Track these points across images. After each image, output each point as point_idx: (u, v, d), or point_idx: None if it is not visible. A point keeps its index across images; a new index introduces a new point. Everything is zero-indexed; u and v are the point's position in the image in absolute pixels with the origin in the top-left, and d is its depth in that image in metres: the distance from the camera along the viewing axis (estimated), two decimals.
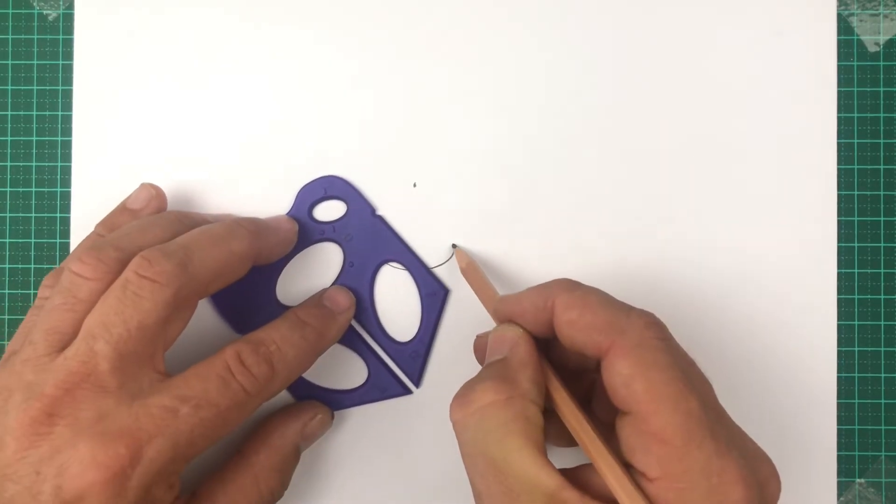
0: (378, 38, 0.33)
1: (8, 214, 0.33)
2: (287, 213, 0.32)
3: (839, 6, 0.33)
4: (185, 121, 0.33)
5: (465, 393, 0.25)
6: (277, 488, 0.29)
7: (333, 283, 0.32)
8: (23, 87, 0.34)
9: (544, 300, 0.26)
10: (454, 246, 0.32)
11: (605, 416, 0.27)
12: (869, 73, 0.33)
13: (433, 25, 0.33)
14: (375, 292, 0.33)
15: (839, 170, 0.33)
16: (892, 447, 0.33)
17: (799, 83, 0.33)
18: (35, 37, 0.34)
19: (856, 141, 0.33)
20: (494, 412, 0.24)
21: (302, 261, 0.33)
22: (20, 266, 0.33)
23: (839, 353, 0.33)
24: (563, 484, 0.23)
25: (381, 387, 0.32)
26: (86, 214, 0.33)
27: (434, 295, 0.32)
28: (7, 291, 0.33)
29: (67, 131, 0.33)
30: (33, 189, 0.33)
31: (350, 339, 0.32)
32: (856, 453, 0.33)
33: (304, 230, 0.32)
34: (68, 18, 0.33)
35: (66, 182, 0.33)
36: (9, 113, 0.34)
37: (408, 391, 0.32)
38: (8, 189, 0.33)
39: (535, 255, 0.33)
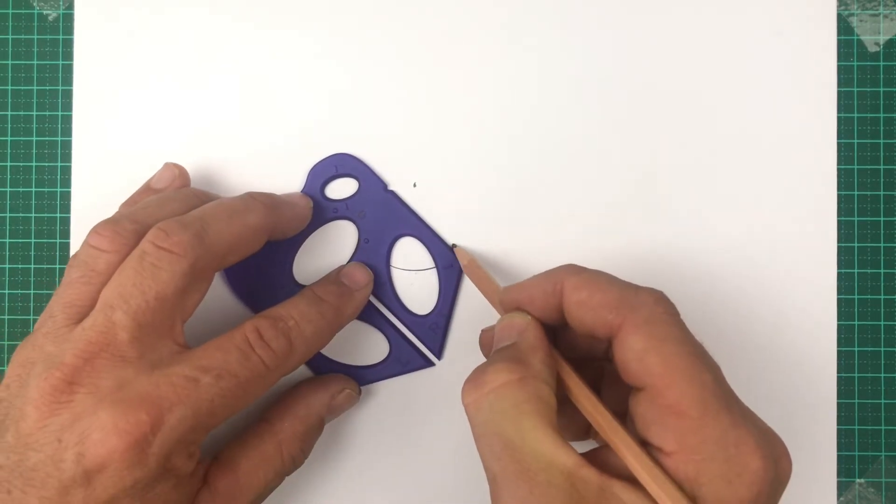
0: (378, 38, 0.33)
1: (8, 214, 0.33)
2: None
3: (839, 6, 0.33)
4: (186, 120, 0.33)
5: (477, 376, 0.25)
6: (299, 457, 0.29)
7: (349, 261, 0.32)
8: (23, 87, 0.34)
9: (552, 285, 0.26)
10: (454, 246, 0.32)
11: (615, 405, 0.27)
12: (869, 73, 0.33)
13: (432, 26, 0.33)
14: (392, 267, 0.33)
15: (839, 170, 0.33)
16: (892, 447, 0.33)
17: (799, 83, 0.33)
18: (35, 37, 0.34)
19: (856, 141, 0.33)
20: (508, 392, 0.24)
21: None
22: (20, 266, 0.33)
23: (839, 353, 0.33)
24: (581, 462, 0.23)
25: (403, 360, 0.32)
26: (86, 214, 0.33)
27: (451, 267, 0.32)
28: (7, 291, 0.33)
29: (67, 131, 0.33)
30: (33, 189, 0.33)
31: (369, 315, 0.32)
32: (856, 453, 0.33)
33: (317, 209, 0.32)
34: (68, 18, 0.33)
35: (66, 182, 0.33)
36: (9, 113, 0.34)
37: (430, 363, 0.33)
38: (8, 189, 0.34)
39: (535, 255, 0.33)
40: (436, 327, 0.32)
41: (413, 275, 0.33)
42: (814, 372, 0.33)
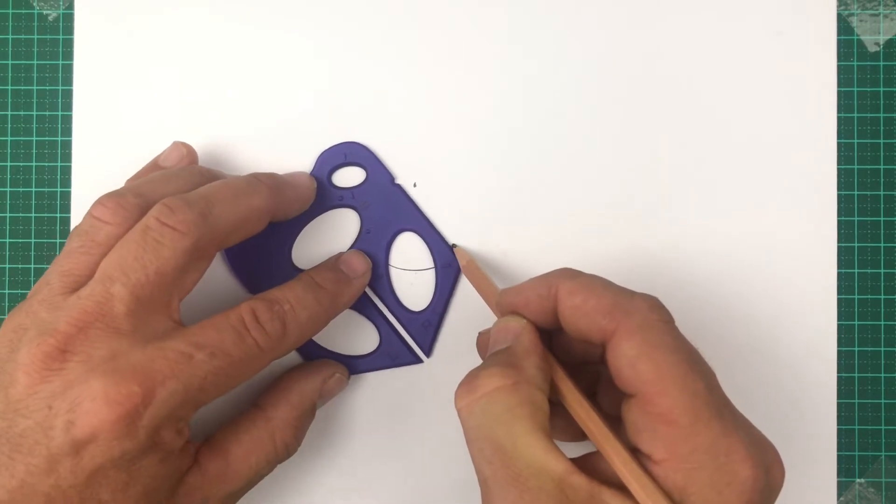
0: (376, 38, 0.33)
1: (8, 214, 0.33)
2: None
3: (839, 6, 0.33)
4: (186, 120, 0.33)
5: (470, 380, 0.25)
6: (292, 443, 0.29)
7: (349, 249, 0.32)
8: (23, 87, 0.34)
9: (547, 288, 0.26)
10: (454, 246, 0.32)
11: (611, 409, 0.27)
12: (869, 73, 0.33)
13: (432, 26, 0.33)
14: (391, 260, 0.33)
15: (839, 170, 0.33)
16: (892, 447, 0.33)
17: (799, 83, 0.33)
18: (35, 37, 0.34)
19: (856, 141, 0.33)
20: (501, 397, 0.24)
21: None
22: (20, 266, 0.33)
23: (839, 353, 0.33)
24: (571, 469, 0.23)
25: (392, 354, 0.32)
26: None
27: (449, 266, 0.32)
28: (7, 291, 0.33)
29: (67, 131, 0.33)
30: (33, 189, 0.33)
31: (363, 306, 0.32)
32: (856, 453, 0.33)
33: (322, 195, 0.32)
34: (68, 18, 0.33)
35: (66, 182, 0.33)
36: (9, 113, 0.34)
37: (418, 360, 0.33)
38: (8, 189, 0.34)
39: (535, 255, 0.33)
40: (428, 325, 0.32)
41: (413, 275, 0.33)
42: (814, 372, 0.33)
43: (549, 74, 0.33)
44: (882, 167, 0.33)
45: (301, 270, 0.32)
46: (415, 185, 0.33)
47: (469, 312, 0.33)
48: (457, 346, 0.33)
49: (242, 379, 0.27)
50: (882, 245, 0.33)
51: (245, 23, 0.33)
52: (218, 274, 0.32)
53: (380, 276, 0.32)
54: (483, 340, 0.29)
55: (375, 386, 0.33)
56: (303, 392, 0.30)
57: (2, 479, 0.23)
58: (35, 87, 0.34)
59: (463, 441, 0.32)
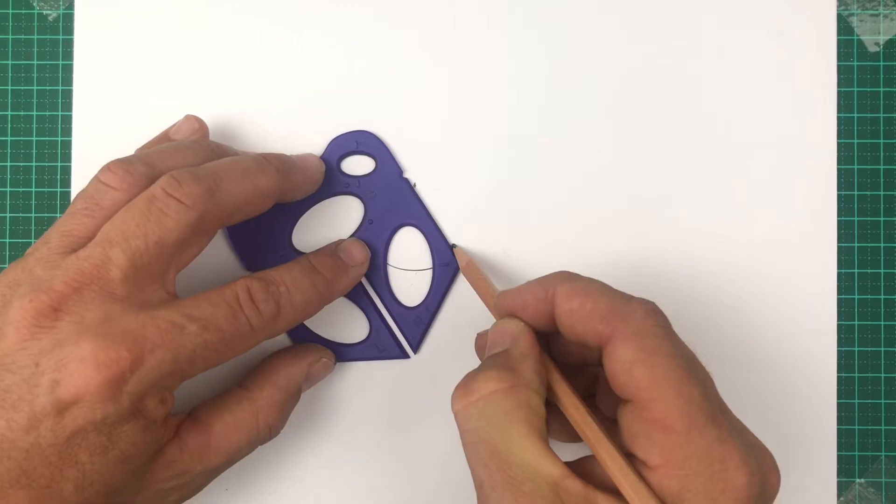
0: (375, 37, 0.33)
1: (8, 214, 0.34)
2: None
3: (839, 6, 0.33)
4: None
5: (467, 382, 0.25)
6: (276, 425, 0.29)
7: (350, 237, 0.33)
8: (23, 87, 0.34)
9: (545, 292, 0.26)
10: (453, 246, 0.32)
11: (609, 411, 0.27)
12: (869, 73, 0.33)
13: (431, 25, 0.33)
14: (390, 253, 0.33)
15: (839, 170, 0.33)
16: (892, 447, 0.33)
17: (799, 83, 0.33)
18: (35, 37, 0.34)
19: (856, 141, 0.33)
20: (497, 401, 0.24)
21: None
22: None
23: (839, 353, 0.33)
24: (566, 473, 0.23)
25: (380, 346, 0.32)
26: None
27: (447, 265, 0.32)
28: None
29: (67, 131, 0.33)
30: (33, 189, 0.33)
31: (357, 295, 0.32)
32: (856, 453, 0.33)
33: (329, 180, 0.32)
34: (68, 18, 0.33)
35: (66, 182, 0.33)
36: (9, 113, 0.34)
37: (405, 355, 0.33)
38: (8, 189, 0.34)
39: (535, 256, 0.33)
40: (419, 321, 0.32)
41: (413, 275, 0.33)
42: (814, 372, 0.33)
43: (549, 75, 0.33)
44: (882, 167, 0.33)
45: (300, 253, 0.32)
46: (415, 185, 0.33)
47: (463, 313, 0.33)
48: (446, 346, 0.33)
49: (231, 355, 0.27)
50: (882, 245, 0.33)
51: (246, 22, 0.33)
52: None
53: (377, 268, 0.32)
54: (481, 342, 0.29)
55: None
56: (289, 374, 0.30)
57: None
58: (35, 87, 0.34)
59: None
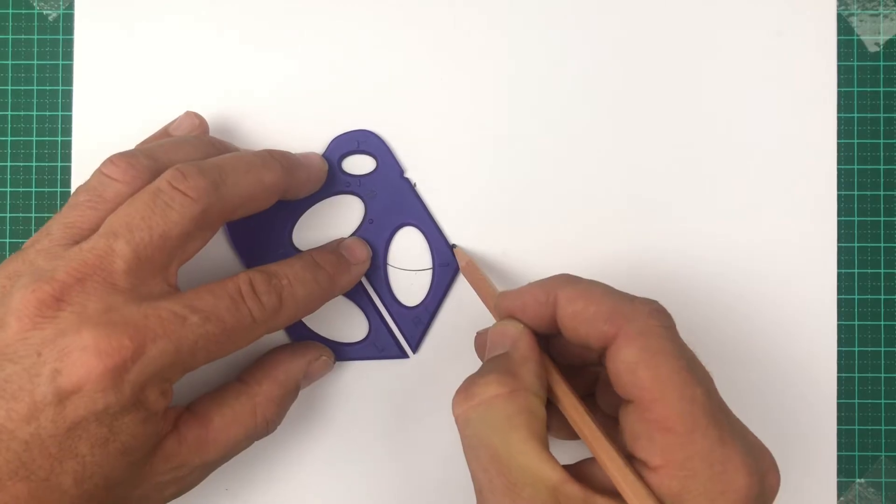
0: (375, 37, 0.33)
1: (8, 214, 0.34)
2: None
3: (839, 6, 0.33)
4: None
5: (468, 387, 0.25)
6: (273, 420, 0.29)
7: (351, 236, 0.33)
8: (23, 87, 0.34)
9: (546, 294, 0.26)
10: (454, 246, 0.32)
11: (609, 410, 0.27)
12: (869, 73, 0.33)
13: (431, 25, 0.33)
14: (390, 253, 0.33)
15: (839, 170, 0.33)
16: (892, 447, 0.33)
17: (799, 83, 0.33)
18: (35, 37, 0.34)
19: (856, 141, 0.33)
20: (498, 405, 0.24)
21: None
22: None
23: (839, 353, 0.33)
24: (565, 478, 0.23)
25: (379, 346, 0.32)
26: None
27: (447, 266, 0.32)
28: None
29: (67, 131, 0.33)
30: (33, 189, 0.33)
31: (357, 294, 0.32)
32: (856, 453, 0.33)
33: (329, 179, 0.32)
34: (68, 18, 0.33)
35: (66, 182, 0.33)
36: (9, 113, 0.34)
37: (404, 355, 0.33)
38: (8, 189, 0.34)
39: (535, 256, 0.33)
40: (419, 321, 0.32)
41: (413, 275, 0.33)
42: (814, 372, 0.33)
43: (549, 76, 0.33)
44: (882, 167, 0.33)
45: (300, 252, 0.32)
46: (415, 185, 0.33)
47: (462, 313, 0.33)
48: (445, 346, 0.33)
49: (232, 348, 0.27)
50: (882, 245, 0.33)
51: (247, 21, 0.33)
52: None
53: (377, 268, 0.32)
54: (481, 340, 0.29)
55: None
56: (288, 370, 0.30)
57: None
58: (35, 87, 0.34)
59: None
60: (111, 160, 0.27)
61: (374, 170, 0.33)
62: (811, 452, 0.32)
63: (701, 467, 0.22)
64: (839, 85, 0.33)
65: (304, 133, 0.33)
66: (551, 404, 0.25)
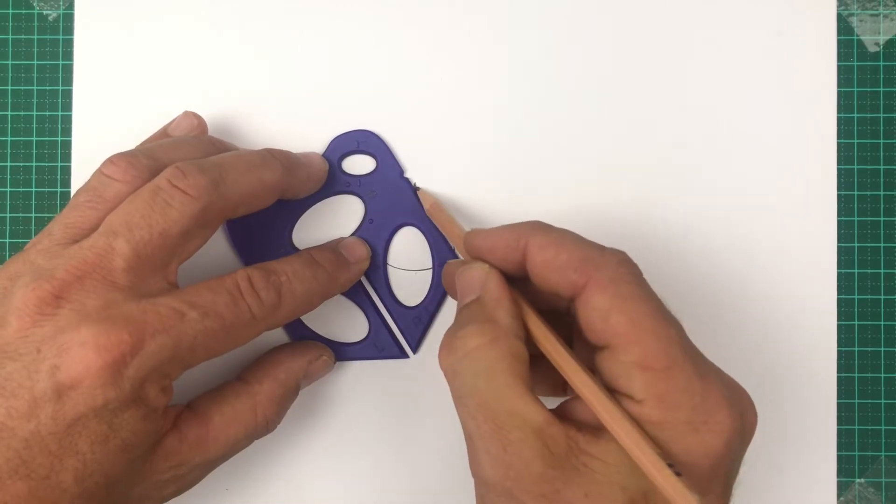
0: (375, 37, 0.33)
1: (8, 214, 0.34)
2: None
3: (839, 6, 0.33)
4: None
5: (450, 341, 0.25)
6: (273, 419, 0.29)
7: (351, 236, 0.33)
8: (23, 87, 0.34)
9: (517, 239, 0.26)
10: (417, 189, 0.32)
11: (587, 361, 0.27)
12: (869, 73, 0.33)
13: (430, 25, 0.33)
14: (390, 253, 0.33)
15: (839, 170, 0.33)
16: (892, 447, 0.33)
17: (799, 83, 0.33)
18: (35, 37, 0.34)
19: (856, 141, 0.33)
20: (481, 355, 0.24)
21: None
22: None
23: (839, 353, 0.33)
24: (549, 419, 0.23)
25: (379, 346, 0.32)
26: None
27: None
28: None
29: (67, 131, 0.33)
30: (33, 189, 0.33)
31: (356, 294, 0.32)
32: (856, 453, 0.33)
33: (329, 179, 0.32)
34: (68, 18, 0.33)
35: (66, 182, 0.33)
36: (9, 113, 0.34)
37: (404, 355, 0.33)
38: (8, 189, 0.34)
39: None
40: (419, 321, 0.32)
41: (413, 275, 0.33)
42: (814, 372, 0.33)
43: (549, 76, 0.33)
44: (882, 167, 0.33)
45: (299, 251, 0.32)
46: (415, 185, 0.33)
47: None
48: None
49: (232, 345, 0.27)
50: (882, 245, 0.33)
51: (247, 21, 0.33)
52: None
53: (377, 267, 0.32)
54: (449, 271, 0.29)
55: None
56: (289, 370, 0.30)
57: None
58: (35, 87, 0.34)
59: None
60: (111, 160, 0.27)
61: (374, 170, 0.33)
62: (811, 452, 0.32)
63: (682, 398, 0.22)
64: (839, 85, 0.33)
65: (304, 133, 0.33)
66: (531, 357, 0.25)
